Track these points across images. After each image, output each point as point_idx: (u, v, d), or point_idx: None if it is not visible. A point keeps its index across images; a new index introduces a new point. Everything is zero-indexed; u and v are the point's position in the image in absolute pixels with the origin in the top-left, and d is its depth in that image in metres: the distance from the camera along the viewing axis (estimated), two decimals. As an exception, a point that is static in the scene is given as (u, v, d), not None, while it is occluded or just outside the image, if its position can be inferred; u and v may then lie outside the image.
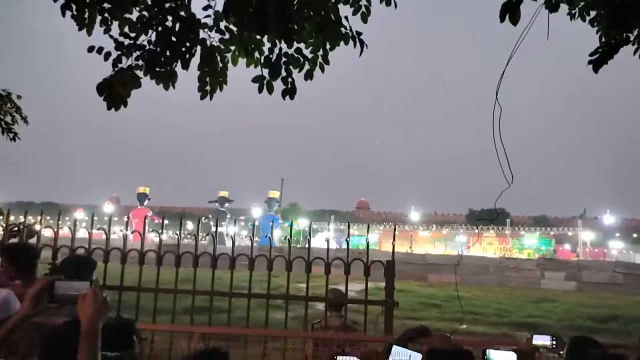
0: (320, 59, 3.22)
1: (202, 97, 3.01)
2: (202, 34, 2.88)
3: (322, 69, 3.24)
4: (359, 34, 3.09)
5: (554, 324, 13.04)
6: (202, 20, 2.87)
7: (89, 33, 2.78)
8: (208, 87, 3.02)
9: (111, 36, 2.71)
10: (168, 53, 2.72)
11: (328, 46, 3.22)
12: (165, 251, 4.99)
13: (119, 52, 2.71)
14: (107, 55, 2.72)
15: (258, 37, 3.01)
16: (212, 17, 2.85)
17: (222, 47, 3.02)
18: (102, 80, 2.67)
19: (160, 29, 2.70)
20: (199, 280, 4.82)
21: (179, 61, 2.76)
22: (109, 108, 2.84)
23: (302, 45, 3.10)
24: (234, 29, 2.91)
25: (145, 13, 2.69)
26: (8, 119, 7.83)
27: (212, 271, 4.54)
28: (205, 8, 2.79)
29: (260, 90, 3.08)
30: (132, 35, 2.70)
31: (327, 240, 4.54)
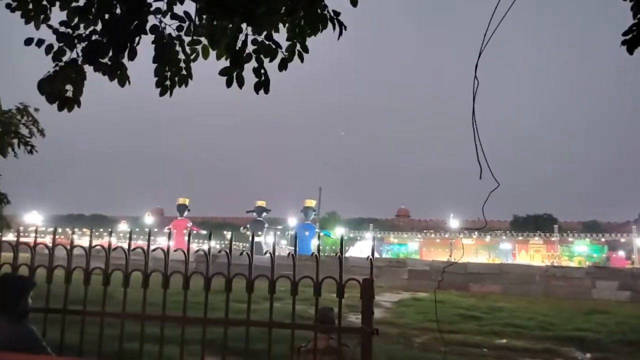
0: (298, 47, 2.83)
1: (162, 94, 2.69)
2: (155, 20, 2.57)
3: (301, 58, 2.85)
4: (336, 14, 2.68)
5: (604, 337, 11.98)
6: (155, 5, 2.55)
7: (37, 26, 2.52)
8: (168, 82, 2.69)
9: (50, 26, 2.43)
10: (111, 43, 2.41)
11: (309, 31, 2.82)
12: (173, 271, 4.53)
13: (60, 45, 2.43)
14: (49, 49, 2.44)
15: (225, 24, 2.65)
16: (164, 1, 2.54)
17: (182, 36, 2.69)
18: (43, 77, 2.40)
19: (107, 16, 2.40)
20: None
21: (127, 52, 2.45)
22: (59, 109, 2.55)
23: (277, 33, 2.72)
24: (193, 15, 2.58)
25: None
26: (25, 132, 7.84)
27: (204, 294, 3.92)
28: (155, -11, 2.47)
29: (229, 84, 2.73)
30: (73, 24, 2.41)
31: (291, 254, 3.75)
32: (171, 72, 2.71)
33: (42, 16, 2.43)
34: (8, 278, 3.07)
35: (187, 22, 2.65)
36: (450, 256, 35.85)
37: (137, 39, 2.41)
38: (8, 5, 2.32)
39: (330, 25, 2.80)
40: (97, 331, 3.40)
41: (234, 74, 2.71)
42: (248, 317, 3.36)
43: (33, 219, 46.06)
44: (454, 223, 51.67)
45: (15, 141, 7.60)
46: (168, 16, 2.60)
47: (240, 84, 2.72)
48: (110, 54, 2.44)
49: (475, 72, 2.29)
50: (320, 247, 50.54)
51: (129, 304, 3.51)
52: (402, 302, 18.69)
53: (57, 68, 2.44)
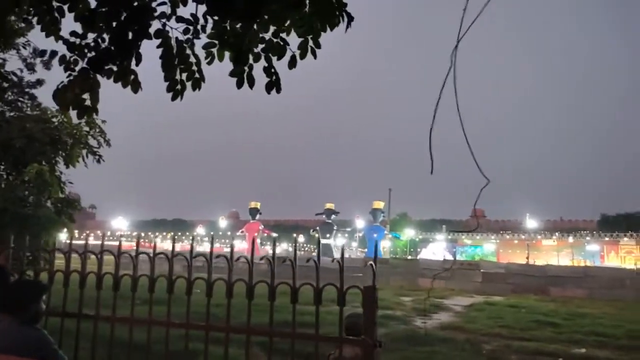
0: (311, 43, 2.72)
1: (173, 98, 2.69)
2: (160, 25, 2.56)
3: (314, 54, 2.74)
4: (343, 4, 2.54)
5: None
6: (160, 10, 2.55)
7: (57, 38, 2.61)
8: (179, 87, 2.69)
9: (61, 37, 2.51)
10: (116, 48, 2.44)
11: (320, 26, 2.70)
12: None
13: (71, 55, 2.50)
14: (62, 59, 2.52)
15: (233, 24, 2.61)
16: (168, 4, 2.54)
17: (193, 39, 2.67)
18: (57, 87, 2.48)
19: (114, 24, 2.44)
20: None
21: (134, 57, 2.48)
22: (79, 117, 2.63)
23: (285, 31, 2.63)
24: (200, 17, 2.56)
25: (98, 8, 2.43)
26: (94, 142, 8.37)
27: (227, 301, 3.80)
28: (155, -7, 2.46)
29: (239, 85, 2.68)
30: (82, 33, 2.47)
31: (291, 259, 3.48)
32: (183, 76, 2.70)
33: (52, 27, 2.51)
34: (21, 282, 3.23)
35: (194, 25, 2.63)
36: (527, 258, 33.84)
37: (138, 43, 2.43)
38: (25, 20, 2.43)
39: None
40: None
41: (245, 74, 2.65)
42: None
43: (119, 224, 49.40)
44: (530, 223, 48.76)
45: (84, 152, 8.15)
46: (175, 20, 2.59)
47: (251, 84, 2.67)
48: (117, 60, 2.47)
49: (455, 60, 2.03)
50: (392, 250, 49.91)
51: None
52: (474, 306, 17.86)
53: (71, 78, 2.52)
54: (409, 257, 41.94)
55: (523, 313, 16.09)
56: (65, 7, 2.44)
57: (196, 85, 2.77)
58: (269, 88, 2.70)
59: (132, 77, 2.60)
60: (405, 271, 27.09)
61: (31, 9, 2.44)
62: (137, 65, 2.53)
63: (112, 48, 2.45)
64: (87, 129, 8.24)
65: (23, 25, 7.89)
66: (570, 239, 42.66)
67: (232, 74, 2.65)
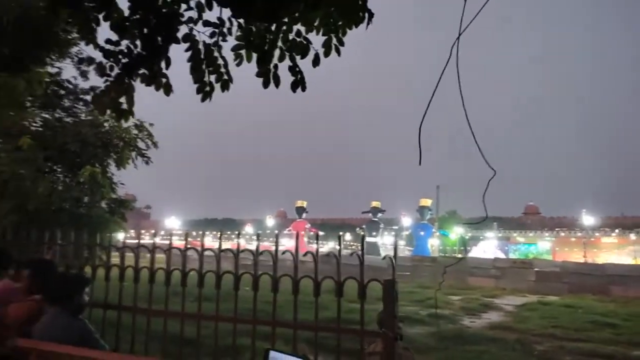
0: (334, 41, 2.75)
1: (203, 99, 2.79)
2: (193, 30, 2.66)
3: (338, 52, 2.77)
4: (363, 0, 2.54)
5: None
6: (187, 15, 2.66)
7: (95, 46, 2.78)
8: (208, 88, 2.79)
9: (97, 45, 2.66)
10: (146, 53, 2.56)
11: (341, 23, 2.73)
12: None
13: (107, 61, 2.65)
14: (100, 66, 2.67)
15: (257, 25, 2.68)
16: (195, 9, 2.63)
17: (219, 42, 2.76)
18: (96, 92, 2.64)
19: (145, 30, 2.56)
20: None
21: (163, 61, 2.59)
22: (117, 120, 2.79)
23: (311, 30, 2.68)
24: (225, 19, 2.64)
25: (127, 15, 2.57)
26: (142, 145, 8.75)
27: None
28: (184, 0, 2.56)
29: (266, 85, 2.75)
30: (114, 40, 2.61)
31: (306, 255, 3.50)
32: (212, 78, 2.80)
33: (89, 36, 2.67)
34: (66, 275, 3.44)
35: (221, 28, 2.72)
36: (584, 256, 32.23)
37: (167, 47, 2.54)
38: (64, 30, 2.59)
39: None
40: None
41: (270, 74, 2.72)
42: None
43: (172, 224, 51.24)
44: (588, 220, 46.38)
45: (134, 154, 8.54)
46: (202, 24, 2.69)
47: (277, 83, 2.73)
48: (147, 64, 2.60)
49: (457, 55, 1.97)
50: (441, 248, 48.92)
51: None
52: (527, 306, 17.25)
53: (108, 83, 2.67)
54: (459, 256, 41.00)
55: (579, 313, 15.38)
56: (101, 16, 2.58)
57: (224, 87, 2.87)
58: (294, 86, 2.75)
59: (164, 80, 2.72)
60: (454, 270, 26.53)
61: (70, 19, 2.62)
62: (166, 68, 2.66)
63: (143, 53, 2.58)
64: (136, 132, 8.64)
65: (76, 35, 8.36)
66: (633, 236, 40.26)
67: (258, 74, 2.73)
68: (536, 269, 24.51)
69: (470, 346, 9.80)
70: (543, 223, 65.16)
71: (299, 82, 2.75)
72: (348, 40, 2.76)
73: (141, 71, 2.64)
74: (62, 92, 10.34)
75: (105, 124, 8.44)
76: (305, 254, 3.99)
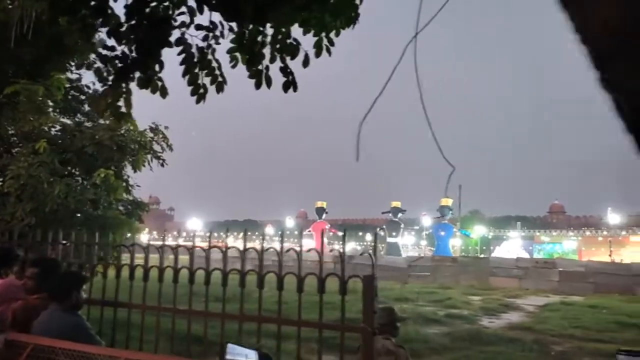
0: (325, 41, 2.79)
1: (197, 101, 2.86)
2: (185, 34, 2.73)
3: (329, 52, 2.80)
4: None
5: None
6: (180, 19, 2.73)
7: (93, 51, 2.88)
8: (202, 90, 2.86)
9: (95, 51, 2.75)
10: (140, 57, 2.64)
11: (336, 24, 2.76)
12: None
13: (104, 66, 2.74)
14: (97, 71, 2.77)
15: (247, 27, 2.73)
16: (187, 14, 2.70)
17: (212, 45, 2.83)
18: (94, 96, 2.73)
19: (139, 35, 2.64)
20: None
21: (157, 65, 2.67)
22: (117, 122, 2.88)
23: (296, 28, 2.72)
24: (218, 22, 2.70)
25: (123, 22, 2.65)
26: (158, 148, 8.92)
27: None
28: (177, 5, 2.63)
29: (258, 86, 2.80)
30: (110, 45, 2.70)
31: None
32: (206, 80, 2.87)
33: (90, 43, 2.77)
34: (65, 273, 3.55)
35: (213, 31, 2.79)
36: (610, 255, 31.40)
37: (158, 51, 2.62)
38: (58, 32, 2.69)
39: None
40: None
41: (262, 75, 2.77)
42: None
43: (193, 225, 51.92)
44: (615, 218, 45.14)
45: (149, 156, 8.72)
46: (195, 28, 2.76)
47: (269, 84, 2.78)
48: (140, 68, 2.68)
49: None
50: (463, 248, 48.34)
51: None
52: (549, 306, 16.91)
53: (106, 87, 2.77)
54: (481, 256, 40.45)
55: (603, 314, 15.00)
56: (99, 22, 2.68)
57: (219, 88, 2.93)
58: (285, 87, 2.80)
59: (160, 83, 2.80)
60: (475, 270, 26.23)
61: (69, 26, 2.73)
62: (159, 71, 2.74)
63: (138, 57, 2.66)
64: (151, 135, 8.81)
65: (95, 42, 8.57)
66: (662, 235, 39.11)
67: (250, 76, 2.79)
68: (560, 269, 24.00)
69: (487, 347, 9.68)
70: (569, 222, 63.82)
71: (290, 83, 2.80)
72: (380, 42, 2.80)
73: (134, 75, 2.72)
74: (83, 97, 10.62)
75: (123, 129, 8.64)
76: (309, 250, 4.02)
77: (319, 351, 3.31)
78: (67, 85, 9.76)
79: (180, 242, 4.46)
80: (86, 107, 10.40)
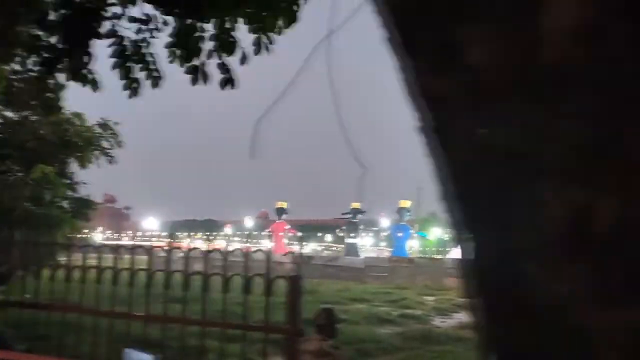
0: (264, 39, 2.75)
1: (131, 96, 2.76)
2: (115, 26, 2.64)
3: (268, 50, 2.77)
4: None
5: None
6: (113, 11, 2.63)
7: (19, 41, 2.73)
8: (135, 84, 2.76)
9: (20, 41, 2.62)
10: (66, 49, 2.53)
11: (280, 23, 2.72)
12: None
13: (31, 56, 2.61)
14: (23, 63, 2.64)
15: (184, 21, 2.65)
16: (119, 5, 2.60)
17: (147, 38, 2.74)
18: (18, 88, 2.60)
19: (67, 25, 2.52)
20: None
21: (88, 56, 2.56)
22: (47, 114, 2.75)
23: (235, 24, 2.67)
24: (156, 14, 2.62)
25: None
26: (107, 144, 8.63)
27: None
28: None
29: (194, 81, 2.73)
30: (35, 34, 2.57)
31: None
32: (140, 74, 2.78)
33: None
34: None
35: (147, 24, 2.70)
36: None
37: (87, 42, 2.51)
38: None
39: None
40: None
41: (198, 71, 2.70)
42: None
43: (150, 225, 50.54)
44: None
45: (97, 153, 8.42)
46: (127, 20, 2.67)
47: (205, 80, 2.72)
48: (67, 60, 2.57)
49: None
50: (421, 249, 49.13)
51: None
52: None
53: (32, 78, 2.64)
54: (437, 257, 41.29)
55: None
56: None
57: (155, 84, 2.84)
58: (223, 84, 2.74)
59: (91, 76, 2.69)
60: (431, 270, 26.77)
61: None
62: (88, 63, 2.63)
63: (66, 48, 2.54)
64: (100, 131, 8.50)
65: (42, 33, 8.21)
66: None
67: (186, 72, 2.72)
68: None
69: (437, 346, 9.88)
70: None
71: (228, 80, 2.74)
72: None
73: (60, 66, 2.60)
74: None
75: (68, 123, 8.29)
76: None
77: (264, 353, 3.27)
78: (13, 77, 9.25)
79: (125, 242, 4.34)
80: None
